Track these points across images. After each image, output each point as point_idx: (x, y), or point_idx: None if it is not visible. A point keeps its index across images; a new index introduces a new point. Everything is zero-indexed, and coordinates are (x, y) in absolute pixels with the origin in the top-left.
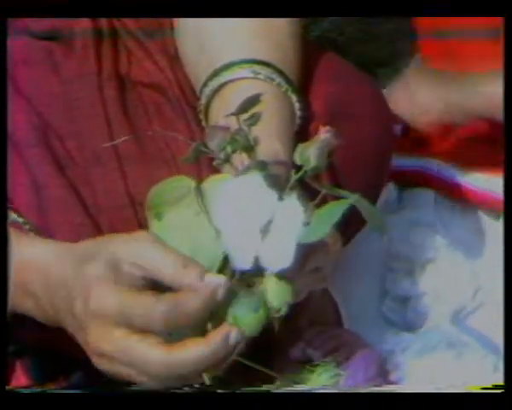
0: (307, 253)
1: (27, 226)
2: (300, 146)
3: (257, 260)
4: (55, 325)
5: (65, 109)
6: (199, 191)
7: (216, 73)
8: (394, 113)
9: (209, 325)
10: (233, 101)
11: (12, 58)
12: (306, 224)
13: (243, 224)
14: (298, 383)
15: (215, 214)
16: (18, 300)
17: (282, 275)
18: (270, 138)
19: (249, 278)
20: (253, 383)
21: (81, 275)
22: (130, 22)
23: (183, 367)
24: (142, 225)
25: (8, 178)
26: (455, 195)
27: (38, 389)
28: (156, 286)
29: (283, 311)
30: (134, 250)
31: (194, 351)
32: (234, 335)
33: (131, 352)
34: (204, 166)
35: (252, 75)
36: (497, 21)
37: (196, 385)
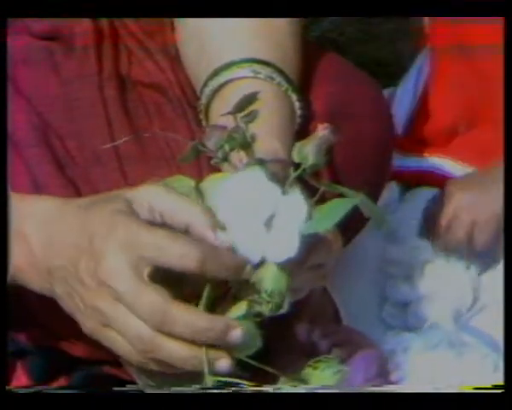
0: (309, 249)
1: None
2: (298, 144)
3: (262, 253)
4: (40, 276)
5: (65, 109)
6: (199, 191)
7: (216, 73)
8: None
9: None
10: (233, 100)
11: (12, 58)
12: (308, 218)
13: (247, 219)
14: (300, 381)
15: (218, 211)
16: (15, 255)
17: (281, 265)
18: (269, 137)
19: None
20: (255, 382)
21: (96, 212)
22: (130, 22)
23: (176, 321)
24: None
25: (8, 178)
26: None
27: (38, 389)
28: None
29: (285, 308)
30: (149, 195)
31: (193, 314)
32: (236, 334)
33: (140, 291)
34: (204, 165)
35: (252, 74)
36: None
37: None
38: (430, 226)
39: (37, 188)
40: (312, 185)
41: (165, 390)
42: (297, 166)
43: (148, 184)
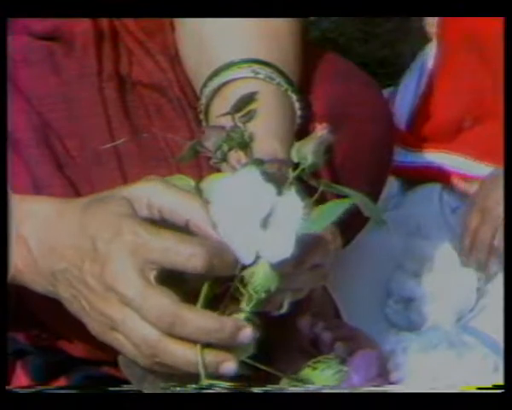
0: (308, 249)
1: None
2: (297, 144)
3: (258, 253)
4: (42, 280)
5: (65, 109)
6: (199, 190)
7: (216, 73)
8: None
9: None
10: (233, 101)
11: (12, 58)
12: (305, 217)
13: (243, 219)
14: (300, 381)
15: (214, 211)
16: (14, 257)
17: (274, 264)
18: (269, 137)
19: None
20: (255, 382)
21: (97, 214)
22: (130, 22)
23: (185, 324)
24: None
25: (8, 178)
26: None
27: (38, 389)
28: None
29: (284, 309)
30: (147, 192)
31: (201, 316)
32: (247, 334)
33: (148, 295)
34: (204, 166)
35: (252, 75)
36: None
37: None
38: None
39: (37, 188)
40: (312, 185)
41: (164, 390)
42: (296, 165)
43: (145, 181)
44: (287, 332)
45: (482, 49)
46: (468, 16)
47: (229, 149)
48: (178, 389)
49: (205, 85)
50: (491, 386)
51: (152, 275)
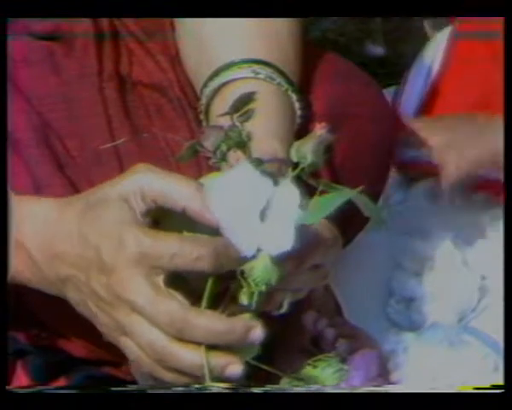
0: (307, 249)
1: None
2: (296, 143)
3: (259, 245)
4: (48, 285)
5: (65, 109)
6: None
7: (216, 74)
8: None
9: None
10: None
11: (12, 58)
12: (303, 209)
13: (242, 213)
14: (300, 380)
15: (213, 208)
16: (13, 261)
17: (275, 258)
18: (268, 137)
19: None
20: (255, 381)
21: (96, 221)
22: (130, 22)
23: (196, 328)
24: None
25: (8, 177)
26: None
27: (39, 389)
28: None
29: (284, 308)
30: (140, 183)
31: (211, 319)
32: (257, 334)
33: (158, 301)
34: (204, 165)
35: (252, 75)
36: None
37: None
38: None
39: (38, 188)
40: (311, 185)
41: (164, 390)
42: (295, 165)
43: (135, 170)
44: (287, 331)
45: (493, 43)
46: (468, 16)
47: (228, 149)
48: (178, 389)
49: (205, 85)
50: (490, 386)
51: (160, 279)
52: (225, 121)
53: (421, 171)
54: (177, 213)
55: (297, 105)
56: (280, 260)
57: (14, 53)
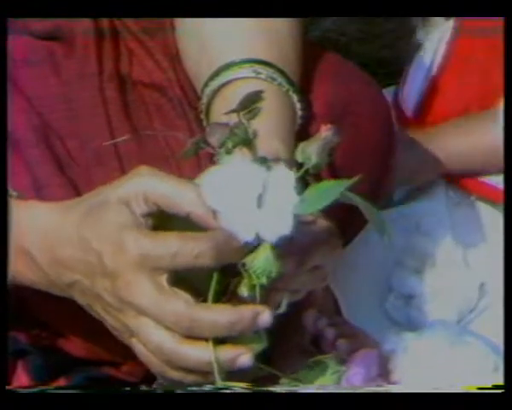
0: (308, 250)
1: None
2: (302, 144)
3: (257, 231)
4: (54, 288)
5: (65, 109)
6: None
7: (217, 73)
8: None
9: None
10: (234, 100)
11: (12, 58)
12: (301, 198)
13: (238, 202)
14: (298, 380)
15: (209, 201)
16: (16, 265)
17: (276, 250)
18: (271, 138)
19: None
20: (254, 381)
21: (97, 225)
22: (131, 22)
23: (204, 324)
24: None
25: (8, 177)
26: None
27: (39, 389)
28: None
29: (282, 309)
30: (143, 186)
31: (218, 313)
32: (265, 318)
33: (163, 301)
34: (204, 164)
35: (253, 75)
36: None
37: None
38: None
39: (38, 188)
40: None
41: (164, 390)
42: (299, 166)
43: (137, 173)
44: (288, 332)
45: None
46: (468, 16)
47: (234, 146)
48: (178, 388)
49: (206, 85)
50: (491, 386)
51: (164, 279)
52: (229, 119)
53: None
54: (176, 215)
55: (298, 106)
56: (281, 254)
57: (14, 53)
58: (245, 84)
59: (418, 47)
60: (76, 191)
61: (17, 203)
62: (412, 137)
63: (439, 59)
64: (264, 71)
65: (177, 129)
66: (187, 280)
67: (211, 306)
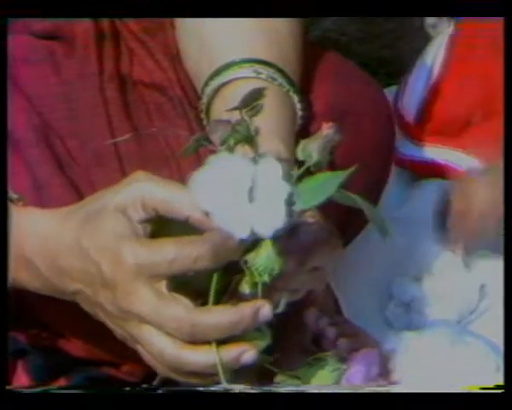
0: (308, 250)
1: None
2: (303, 142)
3: (251, 227)
4: (59, 295)
5: (66, 109)
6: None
7: (217, 73)
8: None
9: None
10: (234, 100)
11: (13, 57)
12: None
13: (229, 198)
14: (298, 378)
15: (200, 203)
16: (18, 272)
17: (277, 248)
18: (271, 138)
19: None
20: (254, 379)
21: (94, 234)
22: (131, 22)
23: (206, 328)
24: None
25: (8, 177)
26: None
27: (39, 389)
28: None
29: (281, 308)
30: (140, 192)
31: (219, 314)
32: (266, 311)
33: (163, 308)
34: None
35: (254, 75)
36: None
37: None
38: (442, 217)
39: (38, 188)
40: None
41: (164, 390)
42: (301, 164)
43: (134, 179)
44: (289, 331)
45: (495, 43)
46: (468, 16)
47: (236, 143)
48: (178, 388)
49: (206, 85)
50: (491, 386)
51: (163, 285)
52: (230, 117)
53: (421, 171)
54: (174, 220)
55: (298, 106)
56: (283, 252)
57: (14, 52)
58: (245, 83)
59: (418, 47)
60: (76, 191)
61: (17, 209)
62: None
63: (439, 64)
64: (265, 71)
65: (177, 129)
66: (187, 283)
67: (211, 308)
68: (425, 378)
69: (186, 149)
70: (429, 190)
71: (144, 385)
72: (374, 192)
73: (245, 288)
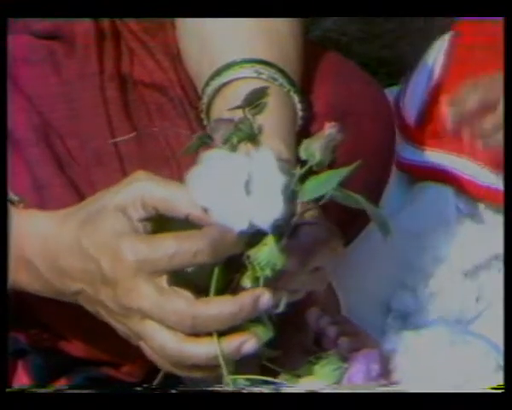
0: (310, 251)
1: None
2: (305, 141)
3: (250, 219)
4: (60, 296)
5: (66, 109)
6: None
7: (218, 73)
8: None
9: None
10: (235, 100)
11: (13, 57)
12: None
13: (225, 193)
14: (299, 376)
15: (198, 200)
16: (18, 274)
17: (279, 241)
18: (272, 138)
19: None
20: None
21: (94, 234)
22: (132, 22)
23: (207, 319)
24: None
25: (8, 177)
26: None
27: (39, 390)
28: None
29: (281, 308)
30: (140, 191)
31: (219, 305)
32: (265, 299)
33: (164, 303)
34: None
35: (255, 75)
36: None
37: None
38: None
39: (38, 188)
40: None
41: (164, 390)
42: (303, 163)
43: (133, 179)
44: (290, 330)
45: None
46: (468, 16)
47: (239, 142)
48: (178, 388)
49: (207, 84)
50: (491, 386)
51: (163, 280)
52: (231, 115)
53: (421, 174)
54: (173, 218)
55: (299, 106)
56: (285, 249)
57: (14, 52)
58: (246, 84)
59: (419, 47)
60: (76, 191)
61: (17, 211)
62: None
63: (439, 66)
64: (266, 71)
65: (177, 128)
66: (188, 281)
67: (211, 299)
68: (425, 378)
69: (188, 146)
70: (429, 195)
71: (144, 385)
72: (374, 192)
73: (246, 282)
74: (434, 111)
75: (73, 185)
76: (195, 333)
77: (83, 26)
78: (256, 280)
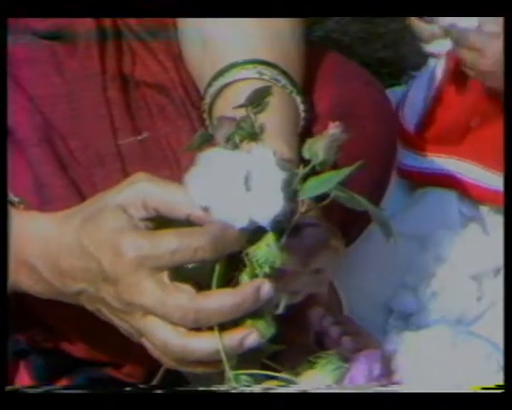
0: (311, 252)
1: None
2: (309, 140)
3: (250, 216)
4: (61, 297)
5: (68, 109)
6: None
7: (220, 74)
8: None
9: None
10: (237, 101)
11: (15, 57)
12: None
13: (225, 190)
14: (299, 376)
15: (198, 200)
16: (18, 276)
17: (279, 239)
18: (275, 139)
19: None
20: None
21: (95, 232)
22: (133, 22)
23: (210, 312)
24: None
25: (9, 177)
26: (474, 196)
27: (41, 390)
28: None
29: (281, 310)
30: (141, 192)
31: (221, 297)
32: (266, 288)
33: (166, 298)
34: None
35: (257, 76)
36: None
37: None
38: None
39: (39, 188)
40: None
41: (164, 391)
42: (306, 162)
43: (134, 179)
44: (292, 330)
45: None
46: (467, 16)
47: (241, 140)
48: (178, 388)
49: (209, 85)
50: (491, 386)
51: (165, 276)
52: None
53: (422, 180)
54: (172, 219)
55: (301, 107)
56: (285, 247)
57: (16, 52)
58: (248, 84)
59: (420, 47)
60: (78, 191)
61: (18, 213)
62: None
63: (439, 73)
64: (268, 72)
65: (179, 129)
66: (189, 276)
67: (212, 292)
68: (426, 378)
69: (190, 144)
70: (435, 201)
71: (144, 385)
72: (376, 193)
73: (245, 279)
74: (434, 117)
75: (75, 185)
76: (198, 327)
77: (84, 26)
78: (254, 277)
